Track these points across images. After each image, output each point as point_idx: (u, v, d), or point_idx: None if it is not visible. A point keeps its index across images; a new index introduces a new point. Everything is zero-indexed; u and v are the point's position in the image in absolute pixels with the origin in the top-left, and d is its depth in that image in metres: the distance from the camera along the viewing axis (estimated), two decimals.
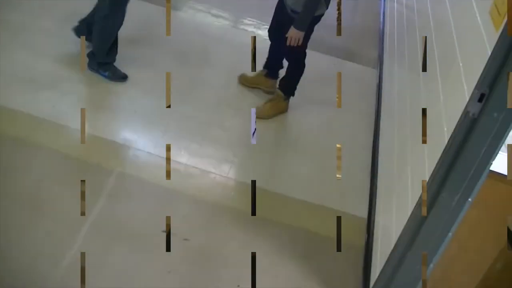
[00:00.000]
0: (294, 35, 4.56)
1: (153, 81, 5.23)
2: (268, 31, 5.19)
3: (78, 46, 5.33)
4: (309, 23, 4.58)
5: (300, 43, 4.61)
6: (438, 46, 3.69)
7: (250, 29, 6.47)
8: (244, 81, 5.47)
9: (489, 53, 2.45)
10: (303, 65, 5.04)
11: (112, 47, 5.12)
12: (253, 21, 6.61)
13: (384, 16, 7.28)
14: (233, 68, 5.66)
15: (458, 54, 3.10)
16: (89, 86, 5.06)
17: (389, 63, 5.78)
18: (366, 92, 5.82)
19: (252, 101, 5.26)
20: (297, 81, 5.15)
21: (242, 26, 6.51)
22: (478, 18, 2.89)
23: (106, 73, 5.16)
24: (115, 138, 4.63)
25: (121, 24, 5.01)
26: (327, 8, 4.67)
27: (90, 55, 5.17)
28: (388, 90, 5.35)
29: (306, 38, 4.77)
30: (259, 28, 6.47)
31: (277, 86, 5.25)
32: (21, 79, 4.92)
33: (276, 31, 5.01)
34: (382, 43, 6.62)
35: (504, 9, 2.47)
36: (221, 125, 4.95)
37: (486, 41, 2.62)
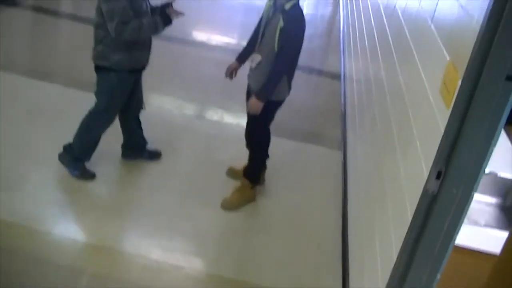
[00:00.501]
0: (254, 103, 4.65)
1: (121, 176, 5.25)
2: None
3: (42, 142, 5.38)
4: (270, 96, 4.67)
5: (258, 112, 4.66)
6: (396, 124, 3.77)
7: (215, 118, 6.56)
8: (232, 173, 5.50)
9: (442, 131, 2.51)
10: (266, 152, 5.12)
11: (94, 147, 5.14)
12: (217, 111, 6.71)
13: (345, 96, 7.42)
14: (200, 158, 5.71)
15: (415, 132, 3.17)
16: (56, 184, 5.03)
17: (352, 143, 5.86)
18: (332, 174, 5.88)
19: (220, 190, 5.27)
20: (259, 167, 5.19)
21: (206, 117, 6.59)
22: (430, 97, 2.97)
23: (76, 172, 5.14)
24: (86, 237, 4.59)
25: (108, 125, 5.06)
26: (288, 94, 4.78)
27: (66, 148, 5.15)
28: (353, 169, 5.41)
29: (267, 123, 4.92)
30: (223, 118, 6.56)
31: (242, 174, 5.26)
32: None
33: None
34: (345, 123, 6.73)
35: (452, 87, 2.55)
36: (191, 217, 4.93)
37: (439, 119, 2.69)
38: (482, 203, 3.36)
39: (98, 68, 4.86)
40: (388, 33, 4.99)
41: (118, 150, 5.42)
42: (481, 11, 2.42)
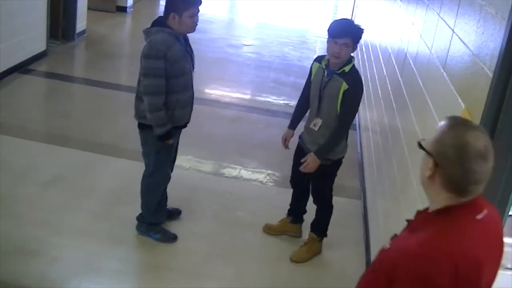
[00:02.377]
0: (311, 161, 4.73)
1: (140, 238, 5.22)
2: (290, 181, 5.37)
3: (61, 209, 5.40)
4: (330, 159, 4.83)
5: (313, 170, 4.76)
6: (415, 173, 3.76)
7: (233, 175, 6.57)
8: (269, 230, 5.52)
9: None
10: (332, 206, 5.19)
11: (160, 206, 5.17)
12: (235, 167, 6.73)
13: (361, 146, 7.43)
14: (219, 217, 5.69)
15: None
16: (77, 250, 5.00)
17: (372, 192, 5.84)
18: (353, 223, 5.85)
19: (241, 248, 5.28)
20: (328, 221, 5.23)
21: (224, 174, 6.60)
22: None
23: (157, 236, 5.18)
24: None
25: (165, 182, 5.12)
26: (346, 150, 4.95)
27: (139, 218, 5.22)
28: (374, 219, 5.38)
29: (332, 180, 5.05)
30: (241, 175, 6.57)
31: (309, 230, 5.31)
32: (8, 247, 4.84)
33: (300, 179, 5.20)
34: (363, 173, 6.72)
35: None
36: (214, 277, 4.88)
37: None
38: (508, 245, 3.32)
39: (141, 126, 4.87)
40: (401, 82, 5.02)
41: (135, 211, 5.40)
42: (493, 58, 2.45)
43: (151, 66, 4.53)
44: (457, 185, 2.07)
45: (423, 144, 2.15)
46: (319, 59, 4.86)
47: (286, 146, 5.21)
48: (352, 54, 4.71)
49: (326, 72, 4.70)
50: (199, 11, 4.64)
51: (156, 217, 5.18)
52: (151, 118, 4.65)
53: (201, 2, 4.65)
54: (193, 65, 4.89)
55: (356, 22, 4.73)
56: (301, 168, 4.79)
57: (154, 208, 5.11)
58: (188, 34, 4.79)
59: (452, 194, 2.09)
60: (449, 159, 2.05)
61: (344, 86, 4.56)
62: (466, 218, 2.10)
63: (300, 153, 5.07)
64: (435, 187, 2.12)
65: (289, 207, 5.46)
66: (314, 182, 5.11)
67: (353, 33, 4.56)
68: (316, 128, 4.81)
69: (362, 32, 4.64)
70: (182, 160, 6.43)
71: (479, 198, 2.13)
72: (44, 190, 5.73)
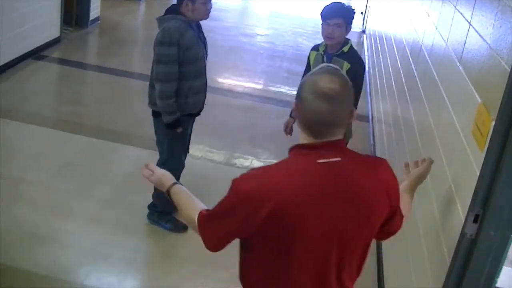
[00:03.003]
0: None
1: (150, 227, 5.22)
2: None
3: (72, 196, 5.40)
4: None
5: None
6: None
7: (246, 164, 6.55)
8: None
9: (478, 174, 2.48)
10: None
11: None
12: (246, 157, 6.71)
13: (374, 137, 7.39)
14: None
15: (449, 174, 3.14)
16: (87, 238, 5.02)
17: None
18: None
19: None
20: None
21: (236, 164, 6.59)
22: (463, 139, 2.94)
23: (168, 225, 5.18)
24: None
25: (179, 170, 5.09)
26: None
27: (150, 207, 5.23)
28: None
29: None
30: (253, 165, 6.55)
31: None
32: (19, 233, 4.88)
33: None
34: None
35: (485, 129, 2.52)
36: (224, 266, 4.88)
37: (473, 161, 2.66)
38: None
39: (154, 114, 4.88)
40: (416, 74, 4.98)
41: (147, 200, 5.39)
42: (510, 51, 2.41)
43: (163, 53, 4.54)
44: (305, 124, 2.29)
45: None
46: (316, 47, 4.98)
47: (288, 133, 5.29)
48: (347, 37, 4.77)
49: (325, 57, 4.77)
50: None
51: (168, 206, 5.17)
52: (160, 105, 4.66)
53: None
54: (206, 53, 4.89)
55: (347, 4, 4.80)
56: None
57: (166, 196, 5.09)
58: (201, 22, 4.79)
59: (305, 133, 2.31)
60: (300, 99, 2.26)
61: (346, 65, 4.61)
62: (304, 159, 2.28)
63: None
64: (298, 126, 2.34)
65: None
66: None
67: (344, 13, 4.63)
68: None
69: (353, 12, 4.72)
70: (194, 149, 6.40)
71: (337, 145, 2.29)
72: (56, 177, 5.74)
